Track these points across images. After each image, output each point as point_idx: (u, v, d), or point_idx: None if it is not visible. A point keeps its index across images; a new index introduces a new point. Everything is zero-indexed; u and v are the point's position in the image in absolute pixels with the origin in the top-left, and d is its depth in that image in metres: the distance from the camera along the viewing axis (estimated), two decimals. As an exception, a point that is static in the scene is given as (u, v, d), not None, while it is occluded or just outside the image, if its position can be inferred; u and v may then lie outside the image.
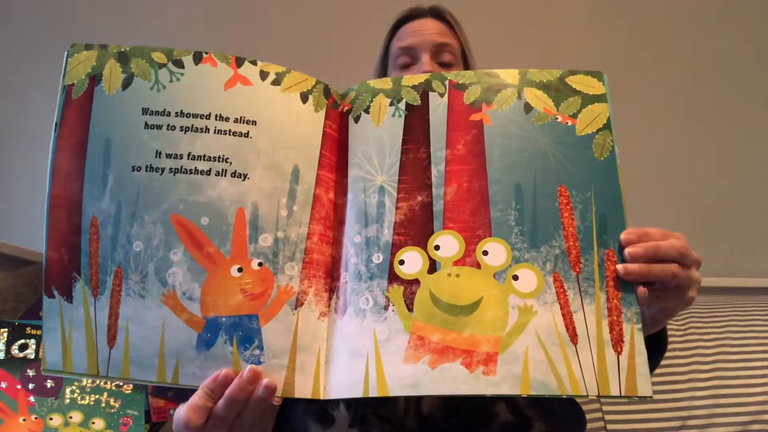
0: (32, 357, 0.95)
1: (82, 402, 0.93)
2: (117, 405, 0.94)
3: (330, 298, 0.58)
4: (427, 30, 0.94)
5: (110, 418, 0.93)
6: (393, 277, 0.56)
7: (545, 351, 0.53)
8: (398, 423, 0.68)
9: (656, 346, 0.68)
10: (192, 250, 0.56)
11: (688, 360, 1.21)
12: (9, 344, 0.94)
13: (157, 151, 0.58)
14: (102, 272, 0.56)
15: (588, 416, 0.96)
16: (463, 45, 0.98)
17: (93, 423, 0.92)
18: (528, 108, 0.60)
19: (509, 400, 0.71)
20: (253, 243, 0.57)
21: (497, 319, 0.54)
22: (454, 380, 0.52)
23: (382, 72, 1.00)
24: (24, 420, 0.89)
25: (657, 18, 1.79)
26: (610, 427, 1.15)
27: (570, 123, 0.59)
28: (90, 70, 0.60)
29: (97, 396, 0.94)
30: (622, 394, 0.52)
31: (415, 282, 0.56)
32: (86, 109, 0.59)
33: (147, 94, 0.59)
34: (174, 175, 0.57)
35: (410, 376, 0.53)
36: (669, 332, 0.71)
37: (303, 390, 0.54)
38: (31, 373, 0.93)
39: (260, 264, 0.56)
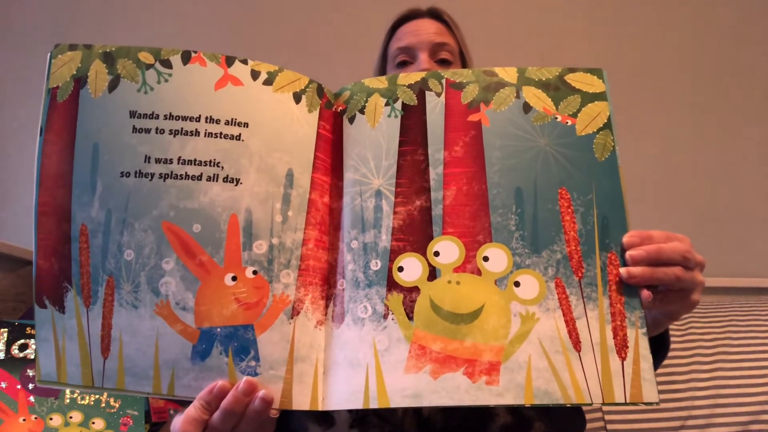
0: (32, 357, 0.94)
1: (82, 402, 0.93)
2: (117, 405, 0.94)
3: (327, 306, 0.57)
4: (425, 30, 0.94)
5: (110, 418, 0.93)
6: (392, 285, 0.55)
7: (548, 359, 0.51)
8: (398, 424, 0.67)
9: (658, 348, 0.67)
10: (184, 259, 0.54)
11: (688, 360, 1.20)
12: (9, 344, 0.94)
13: (146, 155, 0.56)
14: (93, 282, 0.54)
15: (588, 416, 0.95)
16: (461, 45, 0.98)
17: (93, 423, 0.92)
18: (527, 107, 0.58)
19: None
20: (247, 250, 0.55)
21: (499, 327, 0.52)
22: (456, 390, 0.51)
23: (381, 74, 0.99)
24: (24, 420, 0.89)
25: (658, 14, 1.77)
26: (610, 427, 1.15)
27: (570, 123, 0.58)
28: (75, 72, 0.57)
29: (97, 396, 0.94)
30: (628, 401, 0.51)
31: (415, 289, 0.54)
32: (72, 112, 0.57)
33: (134, 96, 0.57)
34: (164, 180, 0.55)
35: (412, 387, 0.51)
36: (669, 333, 0.70)
37: (301, 401, 0.53)
38: (31, 373, 0.92)
39: (255, 272, 0.55)
